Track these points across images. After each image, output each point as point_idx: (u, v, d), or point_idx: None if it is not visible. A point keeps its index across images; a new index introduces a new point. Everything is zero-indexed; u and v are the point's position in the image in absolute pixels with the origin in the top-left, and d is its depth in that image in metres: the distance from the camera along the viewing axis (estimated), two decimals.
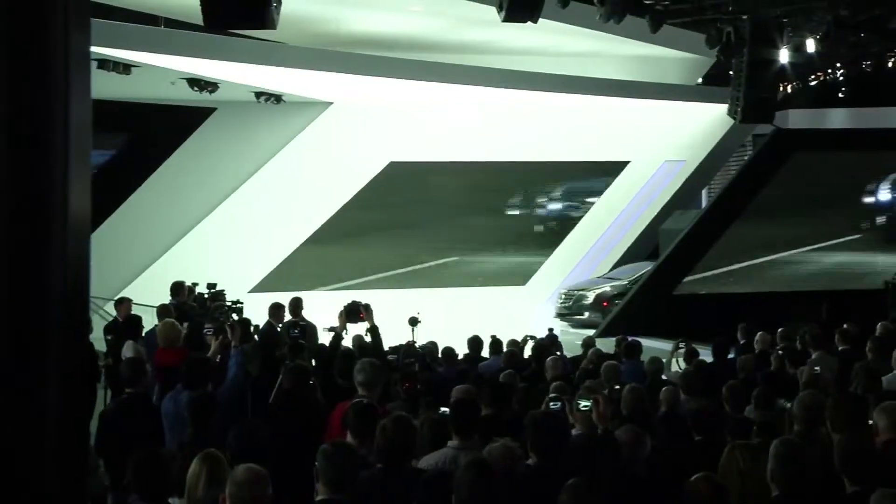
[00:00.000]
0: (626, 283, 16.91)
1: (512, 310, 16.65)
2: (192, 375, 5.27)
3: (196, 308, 10.01)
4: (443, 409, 4.93)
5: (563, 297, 17.31)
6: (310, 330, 8.72)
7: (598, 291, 16.97)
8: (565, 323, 16.60)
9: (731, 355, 8.42)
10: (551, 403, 4.65)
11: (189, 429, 4.65)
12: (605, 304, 16.58)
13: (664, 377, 7.92)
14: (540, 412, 4.36)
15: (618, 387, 5.92)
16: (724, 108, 15.63)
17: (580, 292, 17.12)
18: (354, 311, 6.70)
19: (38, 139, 1.37)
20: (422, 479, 3.47)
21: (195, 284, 10.88)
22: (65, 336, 1.40)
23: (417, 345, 9.83)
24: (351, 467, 3.32)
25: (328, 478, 3.24)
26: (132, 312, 8.96)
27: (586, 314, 16.71)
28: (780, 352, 7.75)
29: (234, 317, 9.60)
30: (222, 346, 6.21)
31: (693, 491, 3.35)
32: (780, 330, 9.00)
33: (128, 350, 7.48)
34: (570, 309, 16.98)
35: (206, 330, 7.39)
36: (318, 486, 3.28)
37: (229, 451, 3.79)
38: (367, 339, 6.77)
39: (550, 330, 11.98)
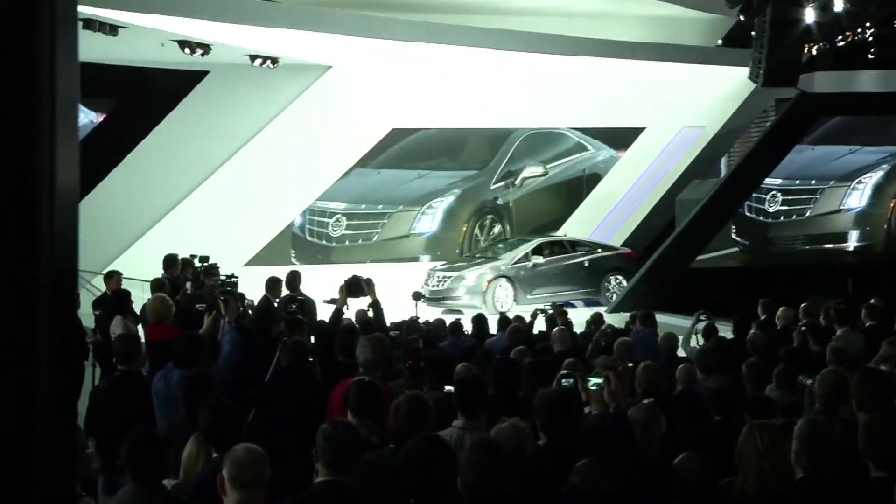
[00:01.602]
0: (508, 264, 15.33)
1: None
2: (183, 354, 5.22)
3: (192, 281, 9.74)
4: (448, 387, 4.89)
5: (437, 278, 15.23)
6: (308, 305, 8.54)
7: (478, 272, 15.13)
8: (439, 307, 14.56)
9: (752, 331, 8.05)
10: (563, 381, 4.48)
11: (182, 408, 4.63)
12: (486, 286, 14.95)
13: (683, 353, 7.93)
14: (550, 390, 4.18)
15: (631, 364, 5.82)
16: (745, 70, 15.14)
17: (455, 273, 15.14)
18: (356, 286, 6.54)
19: (22, 104, 1.33)
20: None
21: (193, 257, 10.67)
22: (52, 312, 1.37)
23: (421, 320, 9.64)
24: (352, 448, 3.26)
25: (328, 458, 3.19)
26: (122, 287, 8.90)
27: (463, 297, 14.83)
28: (802, 328, 7.52)
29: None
30: (215, 322, 6.05)
31: (681, 470, 3.48)
32: (803, 305, 8.74)
33: (116, 326, 7.44)
34: (442, 292, 14.98)
35: (199, 306, 7.25)
36: (318, 467, 3.23)
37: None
38: (370, 314, 6.65)
39: (561, 305, 11.68)
